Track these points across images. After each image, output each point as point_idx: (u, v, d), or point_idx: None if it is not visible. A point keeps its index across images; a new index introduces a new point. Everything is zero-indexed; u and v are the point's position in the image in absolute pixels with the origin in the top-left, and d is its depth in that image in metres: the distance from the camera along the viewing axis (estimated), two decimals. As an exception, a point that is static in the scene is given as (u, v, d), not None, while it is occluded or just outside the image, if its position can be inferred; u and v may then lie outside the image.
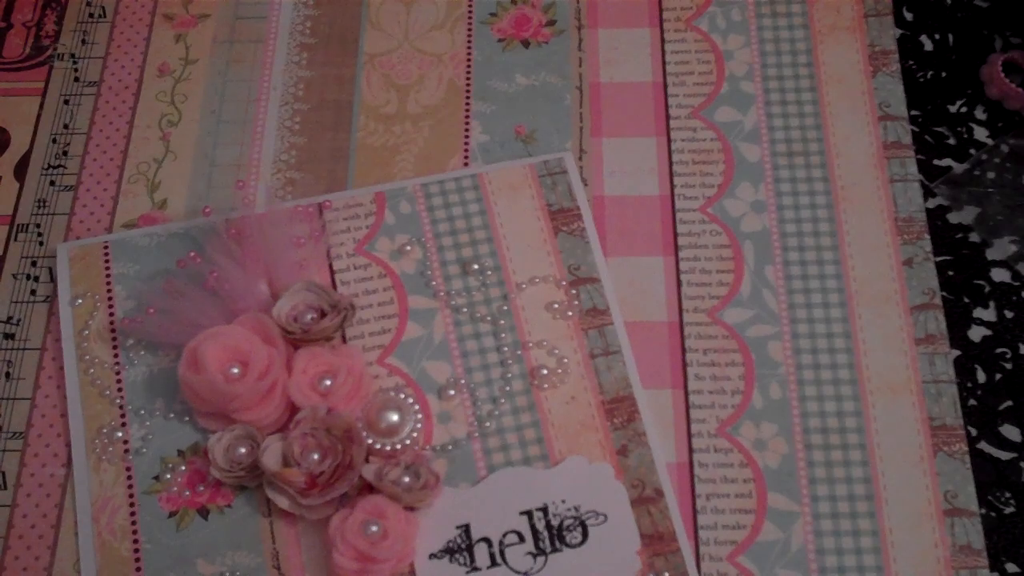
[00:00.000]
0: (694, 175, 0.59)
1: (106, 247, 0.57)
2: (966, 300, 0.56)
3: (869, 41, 0.62)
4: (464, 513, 0.50)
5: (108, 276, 0.56)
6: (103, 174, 0.60)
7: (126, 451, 0.52)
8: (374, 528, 0.47)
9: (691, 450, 0.52)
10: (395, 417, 0.51)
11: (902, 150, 0.59)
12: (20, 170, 0.61)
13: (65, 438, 0.53)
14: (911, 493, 0.51)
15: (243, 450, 0.50)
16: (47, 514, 0.52)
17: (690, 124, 0.60)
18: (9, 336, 0.56)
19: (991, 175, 0.59)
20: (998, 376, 0.54)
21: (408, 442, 0.51)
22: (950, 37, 0.63)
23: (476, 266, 0.56)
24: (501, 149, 0.60)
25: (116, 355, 0.54)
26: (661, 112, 0.61)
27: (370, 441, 0.50)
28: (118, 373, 0.54)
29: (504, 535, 0.49)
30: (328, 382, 0.51)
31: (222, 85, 0.63)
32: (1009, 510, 0.51)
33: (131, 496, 0.51)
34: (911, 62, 0.62)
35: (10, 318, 0.57)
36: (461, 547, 0.49)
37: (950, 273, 0.56)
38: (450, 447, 0.52)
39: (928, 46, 0.63)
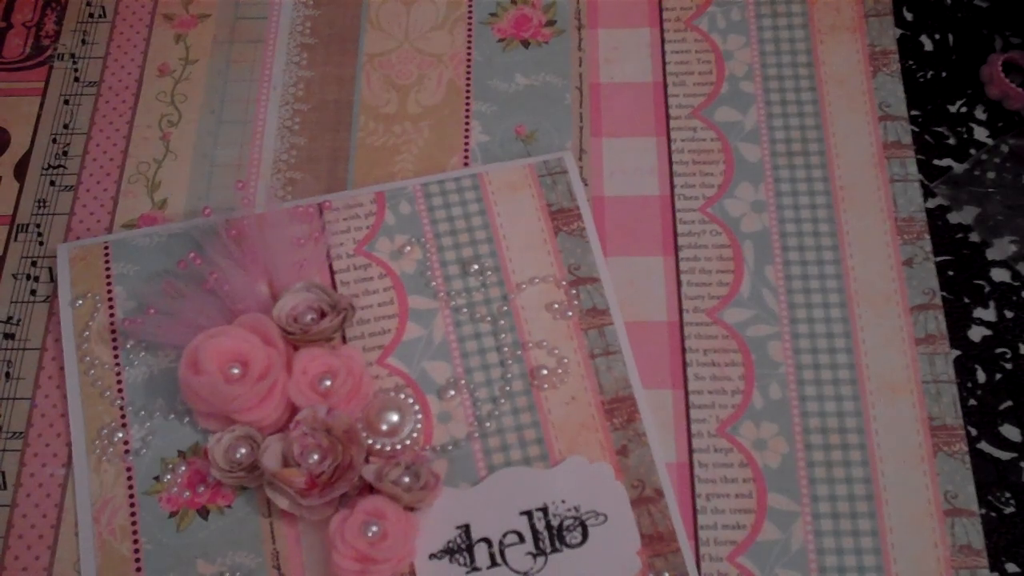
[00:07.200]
0: (694, 175, 0.59)
1: (106, 247, 0.57)
2: (966, 300, 0.56)
3: (869, 41, 0.62)
4: (464, 513, 0.50)
5: (108, 276, 0.56)
6: (103, 174, 0.60)
7: (126, 451, 0.52)
8: (374, 528, 0.47)
9: (691, 450, 0.52)
10: (395, 417, 0.51)
11: (902, 150, 0.59)
12: (20, 170, 0.61)
13: (65, 438, 0.53)
14: (911, 493, 0.51)
15: (243, 450, 0.50)
16: (47, 514, 0.52)
17: (690, 124, 0.60)
18: (9, 336, 0.56)
19: (991, 175, 0.59)
20: (998, 376, 0.54)
21: (408, 442, 0.51)
22: (950, 37, 0.63)
23: (476, 266, 0.56)
24: (501, 149, 0.60)
25: (116, 356, 0.54)
26: (661, 112, 0.61)
27: (370, 441, 0.50)
28: (118, 374, 0.54)
29: (504, 535, 0.49)
30: (328, 382, 0.51)
31: (222, 85, 0.63)
32: (1009, 510, 0.51)
33: (131, 496, 0.51)
34: (911, 62, 0.62)
35: (10, 318, 0.57)
36: (461, 547, 0.49)
37: (950, 273, 0.56)
38: (450, 447, 0.52)
39: (928, 46, 0.63)
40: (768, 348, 0.54)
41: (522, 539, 0.49)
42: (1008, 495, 0.51)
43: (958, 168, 0.59)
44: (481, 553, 0.49)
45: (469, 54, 0.63)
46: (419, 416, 0.52)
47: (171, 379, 0.53)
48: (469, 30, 0.64)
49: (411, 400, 0.52)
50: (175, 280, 0.54)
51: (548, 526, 0.49)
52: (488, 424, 0.52)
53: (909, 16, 0.64)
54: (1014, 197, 0.58)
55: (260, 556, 0.50)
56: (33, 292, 0.57)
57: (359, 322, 0.55)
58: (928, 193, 0.58)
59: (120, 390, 0.54)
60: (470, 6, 0.65)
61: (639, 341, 0.54)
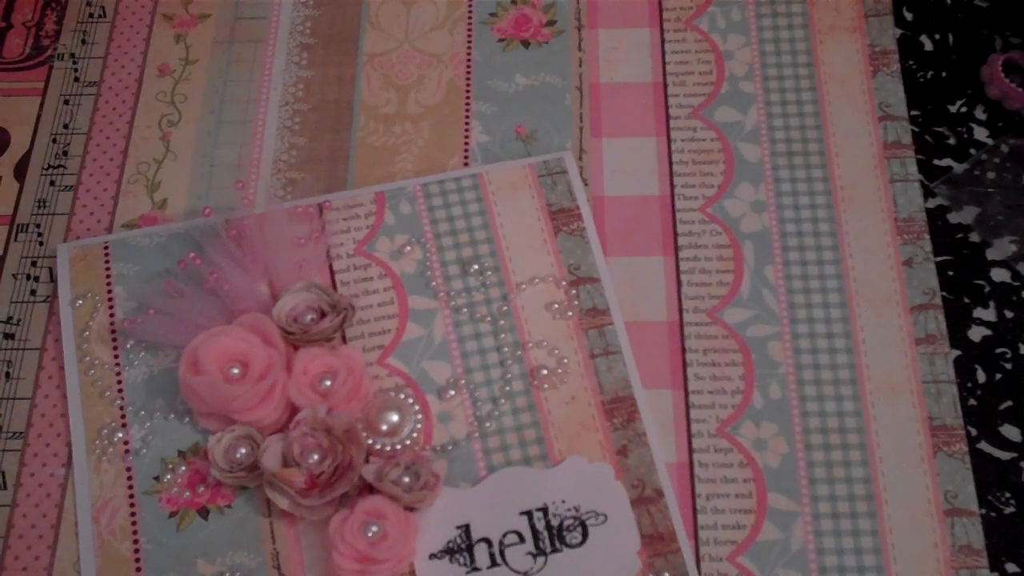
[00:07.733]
0: (694, 175, 0.59)
1: (106, 247, 0.57)
2: (966, 300, 0.56)
3: (869, 41, 0.62)
4: (464, 513, 0.50)
5: (108, 277, 0.56)
6: (103, 174, 0.60)
7: (126, 451, 0.52)
8: (374, 528, 0.47)
9: (691, 450, 0.52)
10: (395, 417, 0.51)
11: (902, 150, 0.59)
12: (20, 170, 0.61)
13: (65, 438, 0.53)
14: (911, 493, 0.51)
15: (243, 450, 0.50)
16: (47, 514, 0.52)
17: (690, 124, 0.60)
18: (9, 336, 0.56)
19: (991, 175, 0.59)
20: (998, 376, 0.54)
21: (408, 442, 0.51)
22: (950, 37, 0.63)
23: (476, 266, 0.56)
24: (501, 149, 0.60)
25: (116, 356, 0.54)
26: (661, 112, 0.61)
27: (370, 441, 0.50)
28: (118, 374, 0.54)
29: (504, 535, 0.49)
30: (328, 382, 0.50)
31: (222, 85, 0.63)
32: (1009, 510, 0.51)
33: (131, 496, 0.51)
34: (911, 62, 0.62)
35: (10, 318, 0.57)
36: (461, 547, 0.49)
37: (950, 273, 0.56)
38: (450, 447, 0.52)
39: (928, 46, 0.63)
40: (768, 348, 0.54)
41: (522, 539, 0.49)
42: (1008, 495, 0.51)
43: (958, 168, 0.59)
44: (481, 553, 0.49)
45: (469, 54, 0.63)
46: (419, 416, 0.52)
47: (171, 379, 0.53)
48: (469, 30, 0.64)
49: (411, 400, 0.52)
50: (175, 280, 0.54)
51: (548, 526, 0.49)
52: (488, 424, 0.52)
53: (909, 16, 0.64)
54: (1014, 197, 0.58)
55: (260, 556, 0.50)
56: (33, 292, 0.57)
57: (359, 322, 0.55)
58: (928, 193, 0.58)
59: (120, 390, 0.54)
60: (470, 6, 0.65)
61: (639, 341, 0.54)
